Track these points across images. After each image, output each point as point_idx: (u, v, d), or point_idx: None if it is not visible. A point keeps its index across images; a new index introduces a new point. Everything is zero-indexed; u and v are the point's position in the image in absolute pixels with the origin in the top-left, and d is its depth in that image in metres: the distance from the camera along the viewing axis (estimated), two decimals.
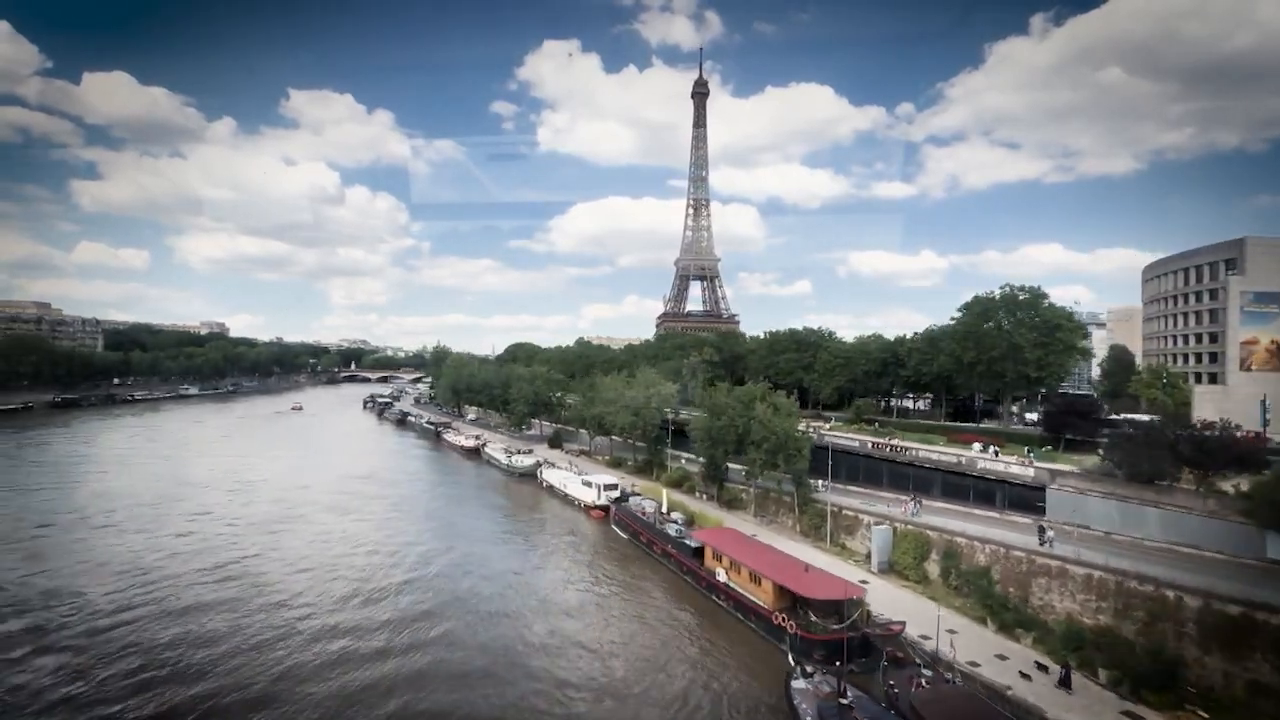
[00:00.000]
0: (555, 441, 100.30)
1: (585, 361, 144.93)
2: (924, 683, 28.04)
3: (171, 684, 30.13)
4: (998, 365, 66.13)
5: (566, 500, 70.33)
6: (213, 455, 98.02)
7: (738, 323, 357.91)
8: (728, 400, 58.83)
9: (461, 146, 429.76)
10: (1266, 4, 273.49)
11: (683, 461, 73.59)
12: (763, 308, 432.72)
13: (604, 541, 56.28)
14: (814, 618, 34.53)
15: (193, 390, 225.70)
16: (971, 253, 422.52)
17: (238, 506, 64.86)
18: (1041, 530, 39.49)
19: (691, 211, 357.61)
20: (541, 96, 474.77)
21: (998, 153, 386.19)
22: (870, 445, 58.32)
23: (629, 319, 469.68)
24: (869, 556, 45.73)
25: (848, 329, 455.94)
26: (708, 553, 43.67)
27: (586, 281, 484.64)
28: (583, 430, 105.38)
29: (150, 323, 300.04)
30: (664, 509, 55.50)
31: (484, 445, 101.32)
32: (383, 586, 43.34)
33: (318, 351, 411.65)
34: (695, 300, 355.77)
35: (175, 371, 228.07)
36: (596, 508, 64.13)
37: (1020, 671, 30.01)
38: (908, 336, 79.97)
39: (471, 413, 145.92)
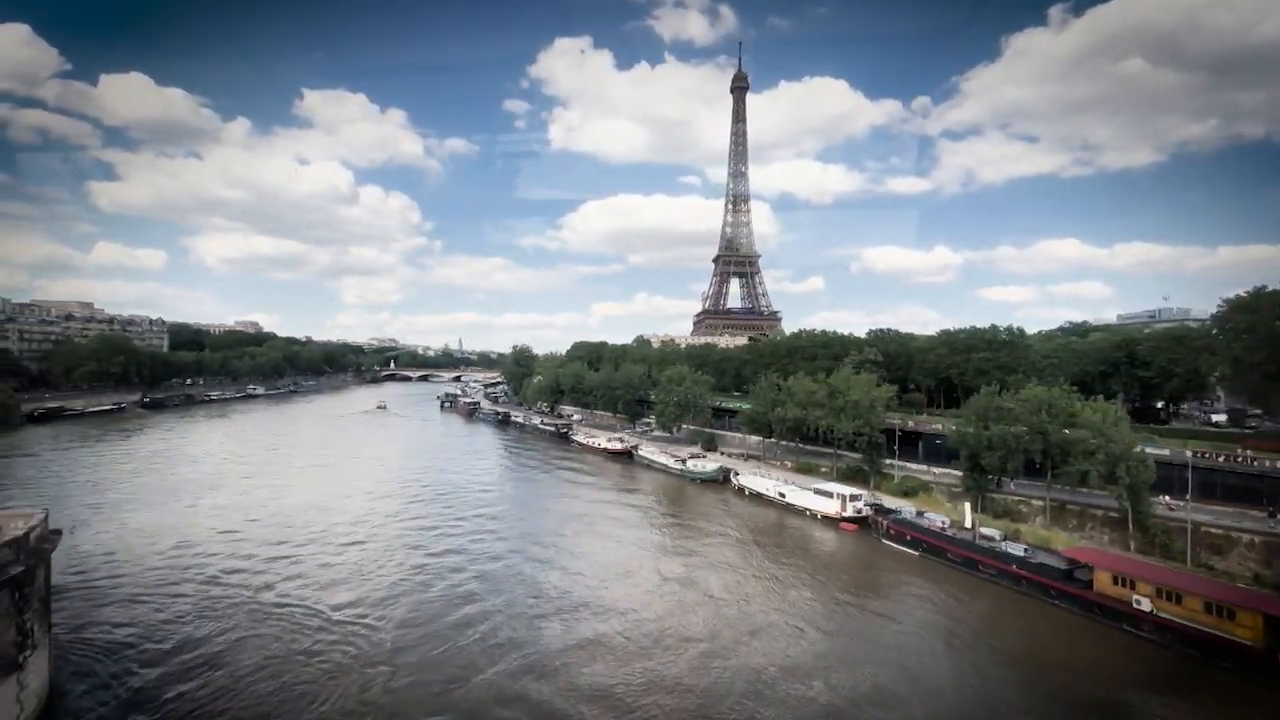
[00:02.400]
0: (710, 445, 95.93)
1: (695, 362, 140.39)
2: None
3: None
4: None
5: (787, 510, 65.80)
6: (363, 461, 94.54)
7: (780, 319, 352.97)
8: (1013, 406, 54.18)
9: (474, 145, 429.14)
10: None
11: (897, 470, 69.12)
12: (774, 304, 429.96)
13: (890, 562, 51.60)
14: None
15: (259, 390, 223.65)
16: (986, 248, 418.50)
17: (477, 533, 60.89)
18: None
19: (731, 207, 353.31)
20: (553, 94, 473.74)
21: (1014, 147, 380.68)
22: (1199, 455, 53.19)
23: (639, 317, 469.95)
24: (1257, 578, 41.12)
25: (859, 326, 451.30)
26: (1102, 576, 38.94)
27: (597, 279, 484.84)
28: (733, 434, 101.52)
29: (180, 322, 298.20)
30: (968, 523, 50.94)
31: (636, 448, 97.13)
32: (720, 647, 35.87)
33: (358, 351, 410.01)
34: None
35: (242, 371, 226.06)
36: (846, 520, 59.66)
37: None
38: (1143, 332, 74.85)
39: (575, 413, 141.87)
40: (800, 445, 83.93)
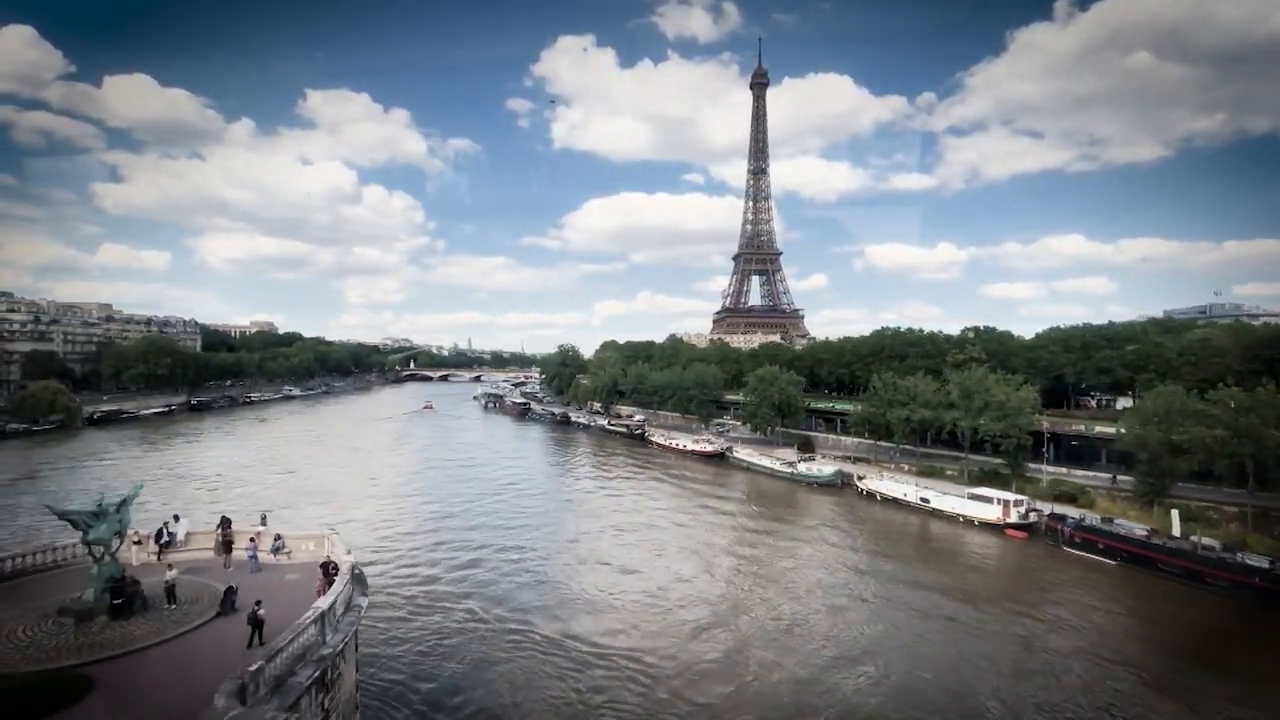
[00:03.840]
0: (806, 446, 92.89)
1: (754, 363, 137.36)
2: None
3: None
4: None
5: (931, 517, 62.65)
6: (467, 468, 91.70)
7: (802, 316, 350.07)
8: (1213, 409, 51.02)
9: (477, 144, 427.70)
10: None
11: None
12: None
13: (1086, 573, 48.38)
14: None
15: (295, 391, 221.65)
16: (991, 244, 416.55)
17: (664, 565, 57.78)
18: None
19: (751, 204, 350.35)
20: (556, 93, 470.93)
21: (1020, 142, 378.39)
22: None
23: (642, 315, 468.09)
24: None
25: (862, 323, 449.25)
26: None
27: (599, 278, 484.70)
28: (824, 435, 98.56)
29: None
30: (1176, 530, 47.77)
31: (730, 450, 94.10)
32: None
33: (375, 351, 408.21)
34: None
35: (276, 372, 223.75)
36: (1013, 526, 56.58)
37: None
38: None
39: (636, 413, 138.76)
40: (906, 447, 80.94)
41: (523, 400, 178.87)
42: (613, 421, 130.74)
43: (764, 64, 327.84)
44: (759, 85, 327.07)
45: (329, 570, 21.88)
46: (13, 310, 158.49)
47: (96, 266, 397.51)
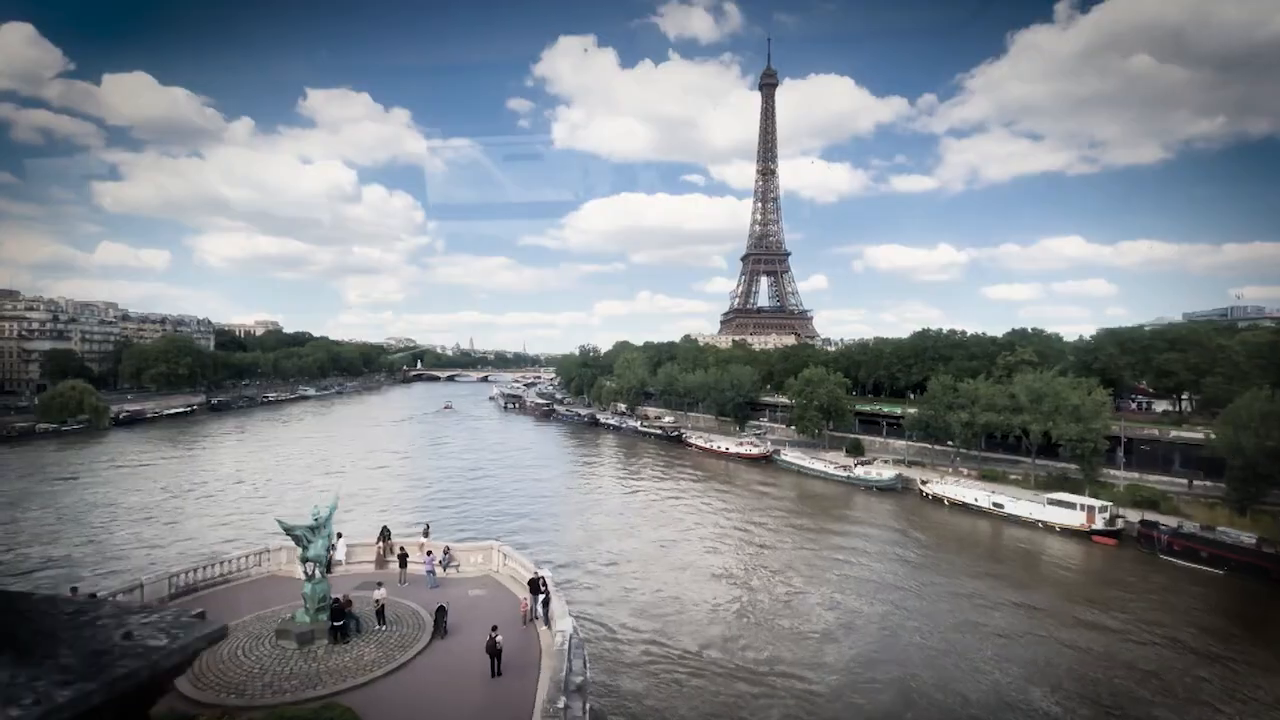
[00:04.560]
0: (855, 449, 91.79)
1: (788, 365, 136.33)
2: None
3: None
4: None
5: (1005, 523, 61.60)
6: (498, 472, 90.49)
7: (811, 317, 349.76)
8: None
9: (477, 144, 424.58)
10: None
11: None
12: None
13: (1196, 585, 47.48)
14: None
15: (310, 391, 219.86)
16: (990, 246, 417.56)
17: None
18: None
19: (760, 204, 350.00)
20: (557, 93, 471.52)
21: (1019, 144, 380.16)
22: None
23: (641, 316, 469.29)
24: None
25: (862, 324, 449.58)
26: None
27: (599, 278, 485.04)
28: (869, 438, 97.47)
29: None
30: None
31: (776, 453, 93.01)
32: None
33: (385, 351, 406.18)
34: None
35: (290, 372, 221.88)
36: (1100, 533, 55.64)
37: None
38: None
39: (665, 414, 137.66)
40: (963, 450, 79.97)
41: (545, 401, 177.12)
42: (645, 424, 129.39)
43: (771, 64, 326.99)
44: (768, 85, 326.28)
45: (538, 587, 20.63)
46: (31, 308, 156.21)
47: (95, 265, 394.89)
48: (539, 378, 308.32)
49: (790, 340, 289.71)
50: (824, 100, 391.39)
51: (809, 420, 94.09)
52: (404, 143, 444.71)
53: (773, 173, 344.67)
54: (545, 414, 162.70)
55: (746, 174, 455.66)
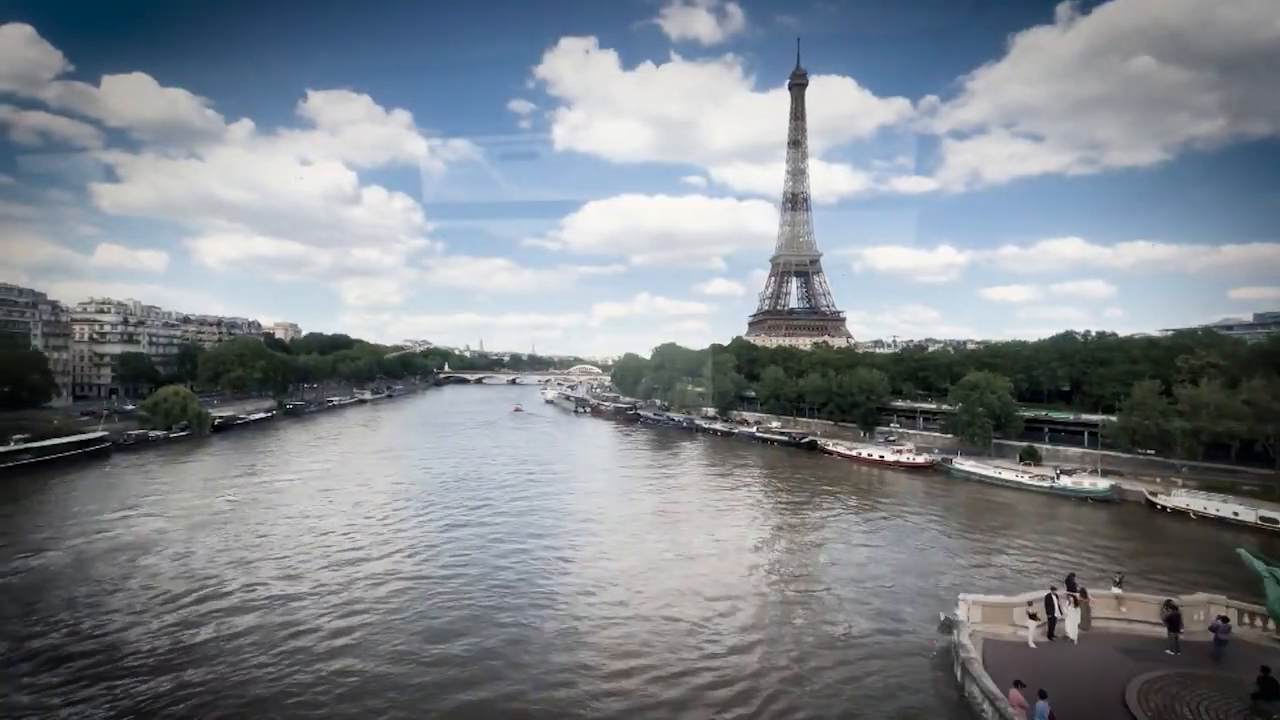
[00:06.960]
0: (1031, 455, 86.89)
1: (900, 369, 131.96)
2: None
3: None
4: None
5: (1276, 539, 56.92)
6: (642, 485, 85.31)
7: (844, 319, 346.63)
8: None
9: (478, 146, 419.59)
10: None
11: None
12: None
13: None
14: None
15: (367, 395, 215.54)
16: (990, 248, 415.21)
17: None
18: None
19: (790, 206, 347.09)
20: (558, 94, 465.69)
21: (1020, 145, 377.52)
22: None
23: (640, 318, 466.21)
24: None
25: (860, 325, 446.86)
26: None
27: (598, 280, 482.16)
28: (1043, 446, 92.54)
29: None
30: None
31: (948, 461, 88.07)
32: None
33: (411, 354, 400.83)
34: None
35: (345, 376, 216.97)
36: None
37: None
38: None
39: (772, 420, 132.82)
40: (1172, 461, 75.37)
41: (628, 406, 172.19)
42: (761, 429, 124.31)
43: (801, 65, 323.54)
44: (798, 86, 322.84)
45: None
46: (102, 311, 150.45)
47: (94, 267, 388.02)
48: (581, 381, 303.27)
49: (834, 341, 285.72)
50: (825, 101, 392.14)
51: (980, 427, 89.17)
52: (404, 144, 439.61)
53: (803, 173, 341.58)
54: (630, 419, 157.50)
55: (747, 175, 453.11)
